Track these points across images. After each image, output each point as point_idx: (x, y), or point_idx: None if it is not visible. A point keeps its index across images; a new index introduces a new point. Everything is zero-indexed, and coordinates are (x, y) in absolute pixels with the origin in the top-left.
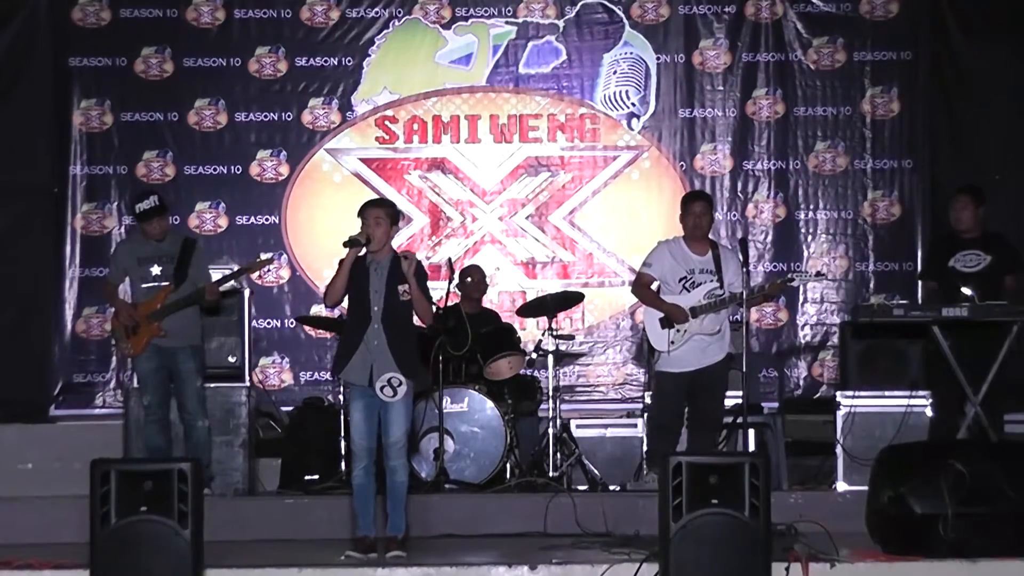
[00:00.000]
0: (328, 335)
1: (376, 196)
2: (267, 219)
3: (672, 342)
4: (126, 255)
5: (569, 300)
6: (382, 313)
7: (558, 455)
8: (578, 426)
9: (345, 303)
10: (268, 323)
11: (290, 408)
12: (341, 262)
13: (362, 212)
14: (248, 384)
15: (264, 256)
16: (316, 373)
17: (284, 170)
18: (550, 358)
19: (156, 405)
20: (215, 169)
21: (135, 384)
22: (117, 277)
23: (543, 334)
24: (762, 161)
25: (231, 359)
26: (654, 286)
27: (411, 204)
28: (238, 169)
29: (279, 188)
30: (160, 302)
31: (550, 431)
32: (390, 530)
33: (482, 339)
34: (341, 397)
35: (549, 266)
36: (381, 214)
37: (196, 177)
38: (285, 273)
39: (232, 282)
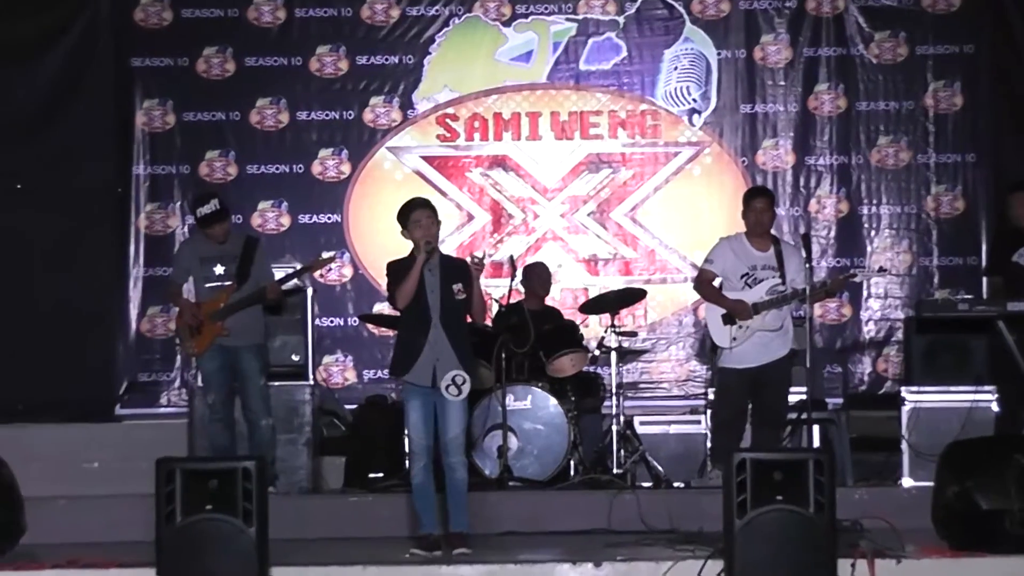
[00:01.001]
0: (391, 333)
1: (413, 197)
2: (329, 217)
3: (734, 338)
4: (189, 255)
5: (631, 297)
6: (441, 312)
7: (622, 452)
8: (641, 423)
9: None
10: (331, 321)
11: (353, 406)
12: (398, 263)
13: (410, 214)
14: (311, 382)
15: (326, 255)
16: (379, 371)
17: (346, 168)
18: (613, 355)
19: (220, 404)
20: (277, 168)
21: (199, 383)
22: (181, 277)
23: (606, 331)
24: (824, 156)
25: (294, 357)
26: (716, 283)
27: (473, 202)
28: (300, 168)
29: (341, 186)
30: (223, 301)
31: (613, 428)
32: (453, 527)
33: (545, 336)
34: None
35: (611, 263)
36: (432, 214)
37: (258, 176)
38: (348, 271)
39: (294, 281)
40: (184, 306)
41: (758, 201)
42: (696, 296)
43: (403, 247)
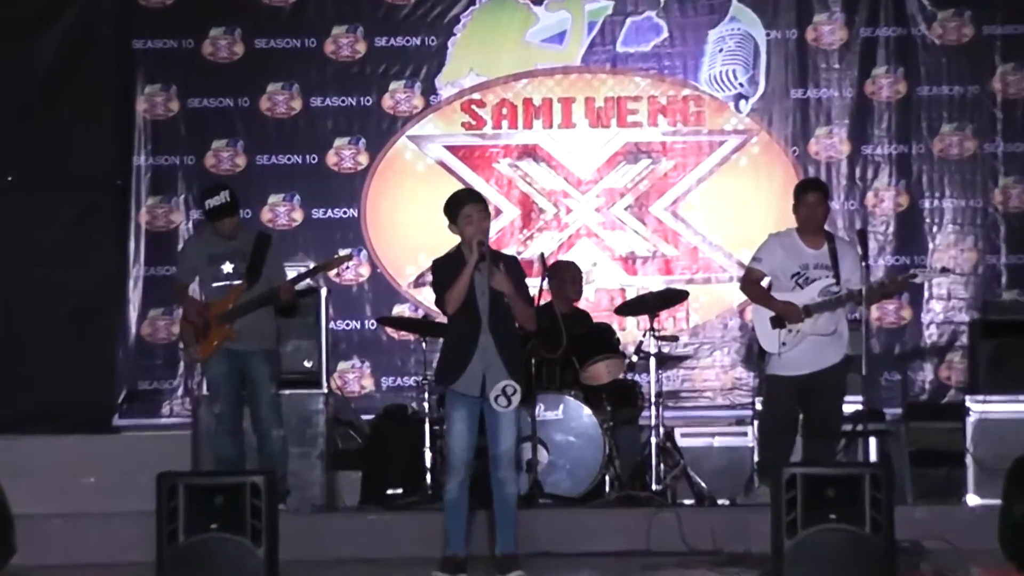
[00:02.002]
0: (411, 337)
1: (462, 187)
2: (345, 212)
3: (784, 343)
4: (195, 252)
5: (672, 298)
6: (489, 316)
7: (661, 466)
8: (683, 435)
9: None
10: (347, 324)
11: (371, 416)
12: (445, 262)
13: (460, 209)
14: (326, 390)
15: (343, 252)
16: (399, 378)
17: (363, 159)
18: (652, 361)
19: (227, 413)
20: (289, 159)
21: (205, 391)
22: (186, 276)
23: (644, 335)
24: (882, 145)
25: (307, 363)
26: (764, 282)
27: (500, 195)
28: (314, 159)
29: (358, 179)
30: (232, 302)
31: (652, 440)
32: (501, 548)
33: (578, 341)
34: (426, 404)
35: (650, 261)
36: (484, 208)
37: (269, 168)
38: (365, 270)
39: (308, 280)
40: (190, 305)
41: (811, 195)
42: (743, 297)
43: (425, 244)
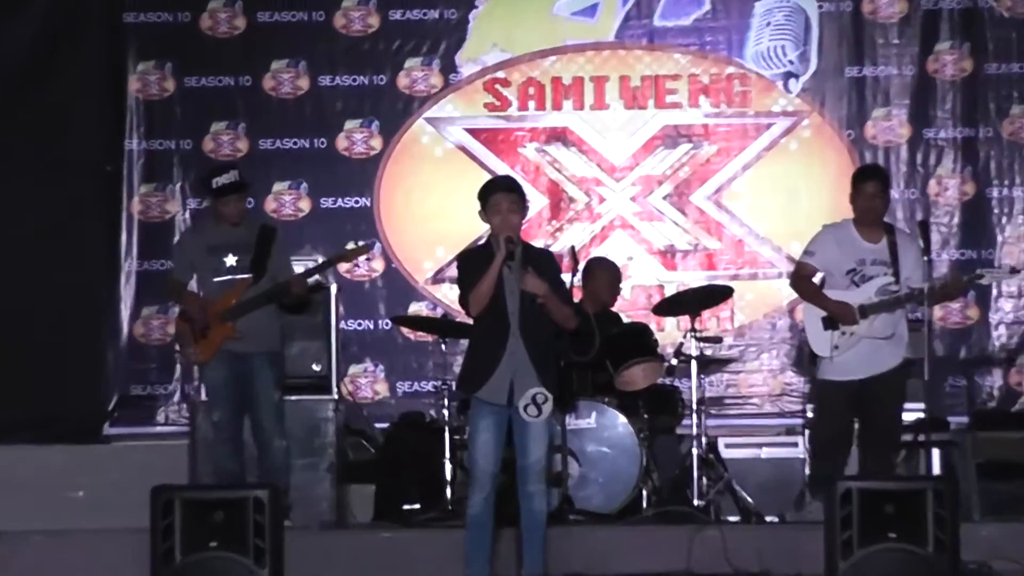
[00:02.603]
0: (429, 338)
1: (499, 175)
2: (357, 201)
3: (836, 346)
4: (194, 245)
5: (715, 295)
6: (520, 318)
7: (704, 480)
8: (727, 445)
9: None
10: (359, 324)
11: (385, 425)
12: (471, 256)
13: (489, 197)
14: (335, 396)
15: (359, 243)
16: (416, 383)
17: (376, 143)
18: (693, 364)
19: (227, 421)
20: (295, 143)
21: (203, 397)
22: (183, 272)
23: (684, 336)
24: (946, 128)
25: (315, 367)
26: (816, 279)
27: (527, 183)
28: (322, 143)
29: (371, 165)
30: (236, 297)
31: (694, 451)
32: (528, 570)
33: (612, 343)
34: (445, 412)
35: (691, 255)
36: (516, 199)
37: (273, 153)
38: (379, 265)
39: (318, 276)
40: (191, 300)
41: (870, 184)
42: (792, 295)
43: (444, 236)
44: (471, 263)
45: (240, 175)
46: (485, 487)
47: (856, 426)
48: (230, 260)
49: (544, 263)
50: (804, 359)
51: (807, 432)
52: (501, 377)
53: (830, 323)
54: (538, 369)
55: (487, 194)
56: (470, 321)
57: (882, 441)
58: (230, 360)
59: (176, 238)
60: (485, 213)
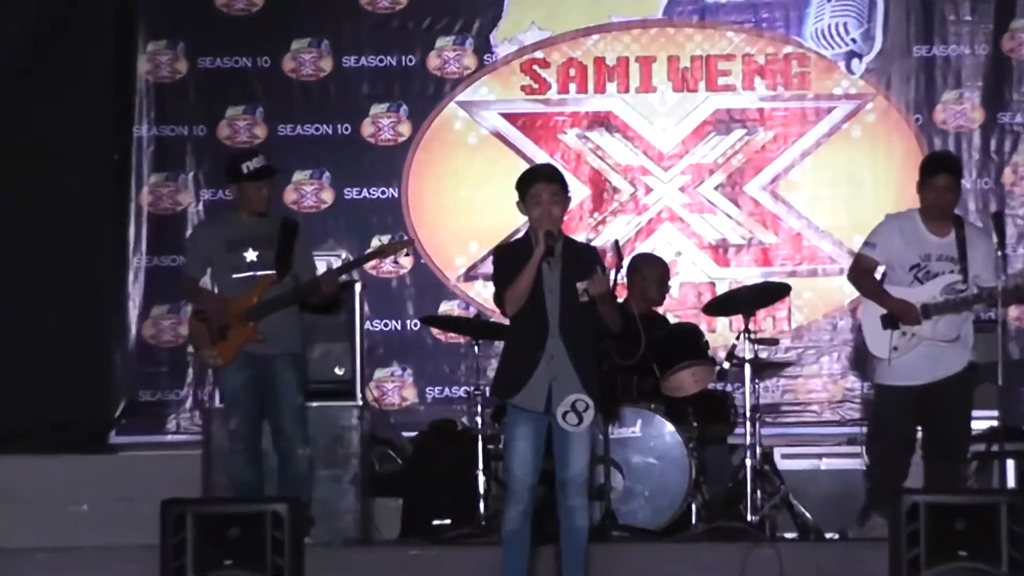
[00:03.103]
0: (461, 340)
1: (539, 163)
2: (384, 192)
3: (895, 347)
4: (210, 238)
5: (771, 294)
6: (560, 319)
7: (758, 493)
8: (784, 456)
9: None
10: (386, 325)
11: (414, 433)
12: (509, 250)
13: (527, 186)
14: (360, 403)
15: (399, 238)
16: (447, 388)
17: (405, 129)
18: (747, 368)
19: (245, 429)
20: (317, 129)
21: (218, 403)
22: (197, 268)
23: (737, 337)
24: (1023, 112)
25: (338, 371)
26: (878, 273)
27: (567, 171)
28: (346, 129)
29: (399, 152)
30: (257, 296)
31: (747, 462)
32: None
33: (659, 345)
34: (478, 419)
35: (745, 250)
36: (558, 189)
37: (293, 139)
38: (407, 261)
39: (348, 274)
40: (208, 299)
41: (941, 177)
42: (855, 293)
43: (478, 230)
44: (508, 258)
45: (265, 160)
46: (522, 500)
47: (920, 436)
48: (251, 255)
49: (586, 259)
50: (862, 361)
51: (865, 442)
52: (539, 382)
53: (890, 322)
54: (579, 373)
55: (526, 184)
56: (506, 321)
57: (949, 452)
58: (250, 363)
59: (189, 231)
60: (524, 204)
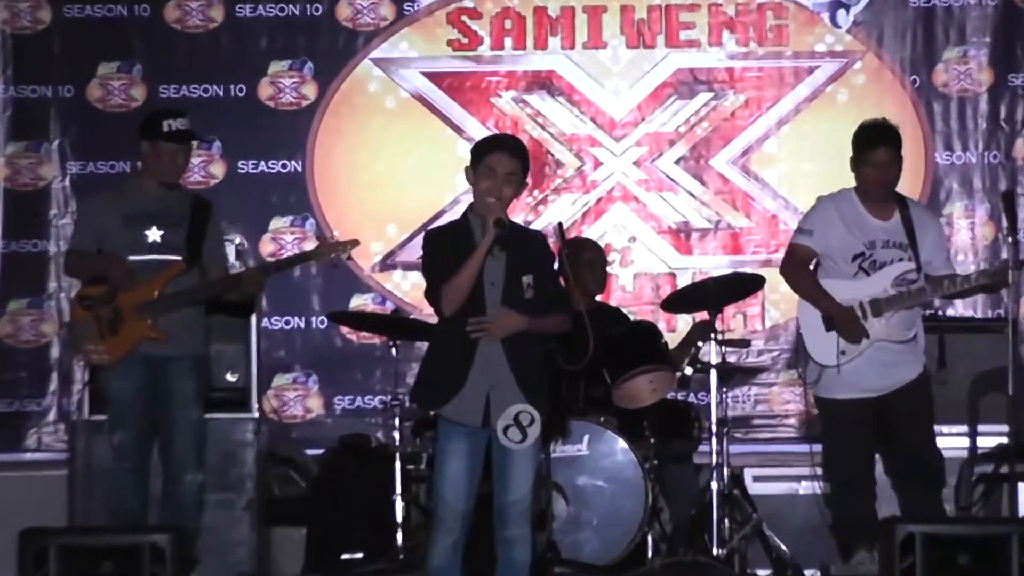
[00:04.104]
0: (377, 340)
1: (504, 133)
2: (284, 165)
3: (843, 351)
4: (105, 211)
5: (742, 286)
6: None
7: (726, 522)
8: (756, 478)
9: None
10: (287, 323)
11: (320, 451)
12: (443, 235)
13: (482, 154)
14: (256, 415)
15: (340, 239)
16: (359, 398)
17: (310, 91)
18: (713, 375)
19: (132, 444)
20: (206, 90)
21: (87, 415)
22: (85, 245)
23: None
24: None
25: (231, 377)
26: (818, 266)
27: None
28: (240, 90)
29: (302, 119)
30: (161, 286)
31: (714, 485)
32: None
33: (610, 347)
34: (396, 435)
35: (711, 235)
36: (517, 170)
37: (178, 103)
38: (311, 246)
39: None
40: (109, 265)
41: (880, 151)
42: None
43: (397, 211)
44: (442, 245)
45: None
46: (452, 531)
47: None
48: (153, 234)
49: (534, 250)
50: (801, 367)
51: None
52: (474, 390)
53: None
54: (523, 380)
55: (484, 151)
56: (431, 318)
57: (922, 475)
58: (143, 365)
59: (78, 205)
60: (473, 173)
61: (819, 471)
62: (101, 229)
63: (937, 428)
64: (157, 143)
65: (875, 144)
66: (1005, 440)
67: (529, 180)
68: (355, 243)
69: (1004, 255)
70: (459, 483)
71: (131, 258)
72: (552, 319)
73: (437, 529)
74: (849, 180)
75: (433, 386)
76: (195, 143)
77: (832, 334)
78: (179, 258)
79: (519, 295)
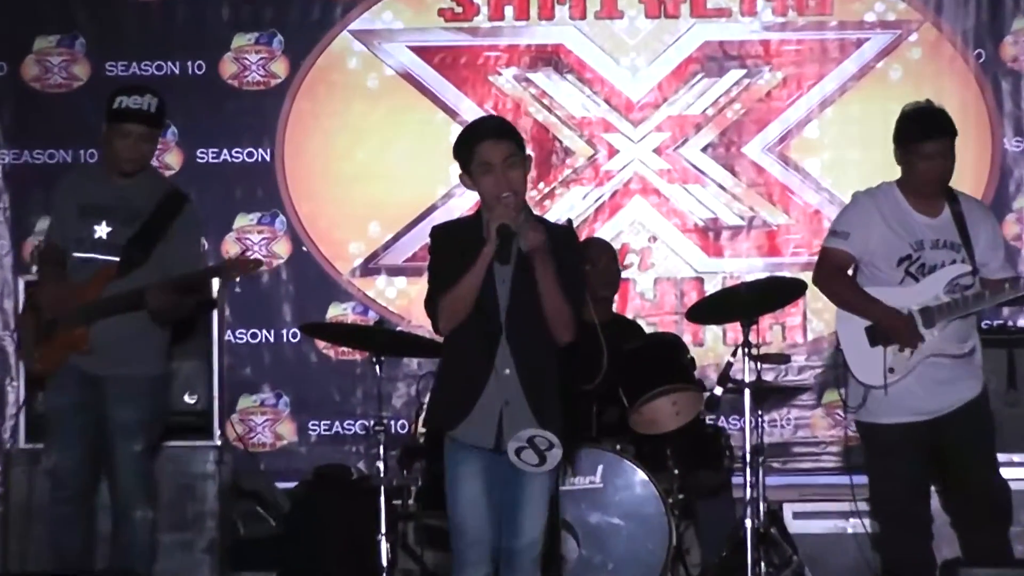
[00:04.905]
0: (358, 355)
1: (480, 117)
2: (251, 154)
3: (891, 368)
4: (65, 198)
5: (780, 293)
6: (509, 326)
7: (762, 565)
8: (796, 515)
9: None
10: (254, 336)
11: (292, 484)
12: (450, 233)
13: (469, 147)
14: (219, 442)
15: (248, 256)
16: (337, 423)
17: (280, 68)
18: (747, 395)
19: (71, 470)
20: (160, 67)
21: (23, 442)
22: (56, 233)
23: (734, 353)
24: None
25: (189, 399)
26: (856, 273)
27: None
28: (199, 67)
29: (271, 100)
30: (97, 290)
31: (748, 523)
32: None
33: (627, 362)
34: (381, 465)
35: (744, 234)
36: (513, 149)
37: (127, 81)
38: (282, 248)
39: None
40: (44, 291)
41: (930, 143)
42: None
43: (381, 207)
44: (449, 247)
45: (161, 107)
46: (480, 564)
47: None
48: (101, 230)
49: (562, 242)
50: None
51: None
52: (486, 410)
53: (880, 335)
54: (536, 401)
55: (467, 146)
56: (424, 331)
57: (986, 510)
58: (79, 382)
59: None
60: (469, 176)
61: (864, 507)
62: (59, 217)
63: (1006, 456)
64: (111, 124)
65: (923, 135)
66: None
67: (533, 171)
68: (258, 263)
69: None
70: (479, 506)
71: (75, 255)
72: (558, 299)
73: (460, 566)
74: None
75: (443, 404)
76: (157, 125)
77: (878, 349)
78: (114, 260)
79: (535, 298)
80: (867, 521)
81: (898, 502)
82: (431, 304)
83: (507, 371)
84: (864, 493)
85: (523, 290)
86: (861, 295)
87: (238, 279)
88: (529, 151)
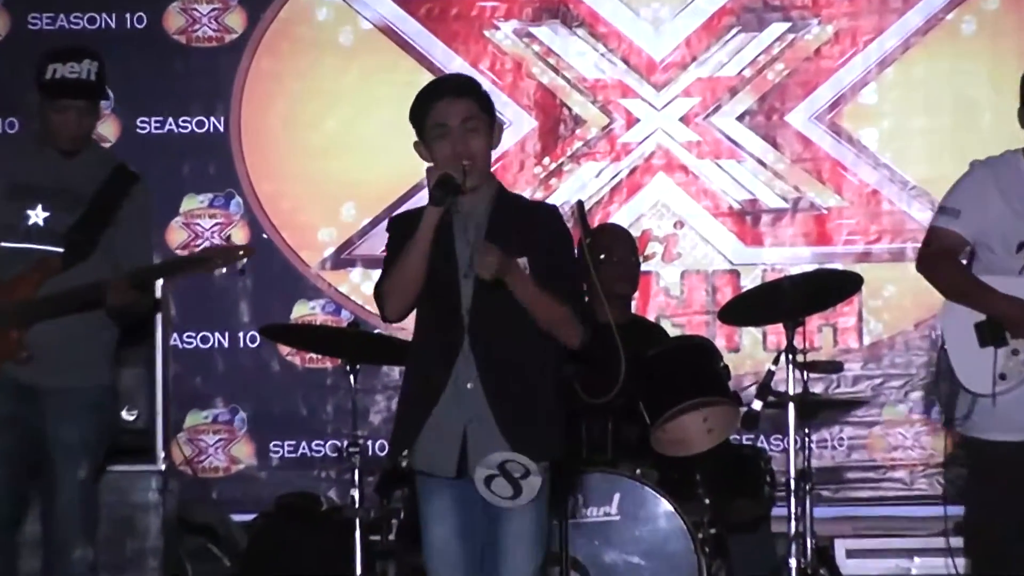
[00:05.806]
0: (328, 363)
1: (448, 73)
2: (201, 123)
3: (1002, 375)
4: None
5: (831, 289)
6: (473, 332)
7: None
8: (851, 552)
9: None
10: (204, 340)
11: (251, 516)
12: (407, 220)
13: (424, 110)
14: (163, 467)
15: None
16: (304, 443)
17: (236, 22)
18: (791, 410)
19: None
20: (92, 21)
21: None
22: None
23: (776, 360)
24: None
25: (128, 416)
26: (972, 258)
27: (501, 91)
28: (139, 20)
29: (225, 59)
30: (35, 287)
31: (792, 562)
32: None
33: (649, 371)
34: (355, 492)
35: (788, 218)
36: (475, 111)
37: (54, 36)
38: (239, 235)
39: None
40: None
41: None
42: None
43: (356, 187)
44: (407, 235)
45: (101, 70)
46: None
47: None
48: (36, 215)
49: (541, 224)
50: (944, 398)
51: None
52: (445, 426)
53: (992, 335)
54: (505, 415)
55: (422, 107)
56: (404, 334)
57: None
58: (12, 393)
59: None
60: (423, 142)
61: (955, 542)
62: None
63: None
64: (44, 97)
65: None
66: None
67: (537, 144)
68: (251, 250)
69: None
70: (448, 553)
71: (3, 245)
72: (549, 306)
73: None
74: (986, 140)
75: (402, 425)
76: (95, 96)
77: (988, 351)
78: (57, 252)
79: (502, 293)
80: (960, 562)
81: (1002, 539)
82: (376, 291)
83: (469, 385)
84: (932, 529)
85: (490, 288)
86: (976, 283)
87: (224, 270)
88: (530, 120)
